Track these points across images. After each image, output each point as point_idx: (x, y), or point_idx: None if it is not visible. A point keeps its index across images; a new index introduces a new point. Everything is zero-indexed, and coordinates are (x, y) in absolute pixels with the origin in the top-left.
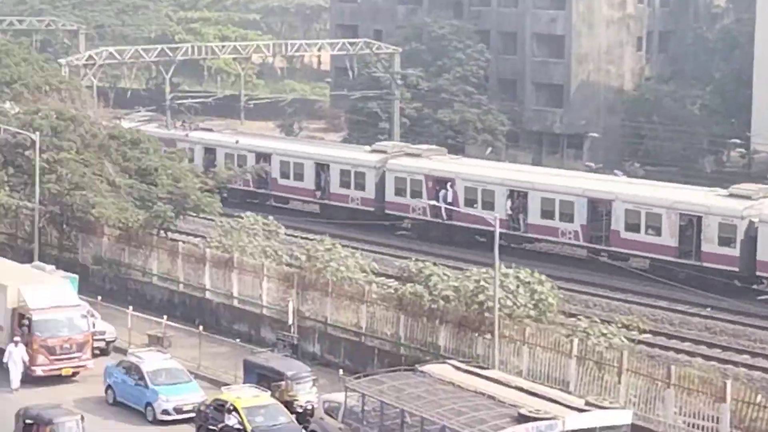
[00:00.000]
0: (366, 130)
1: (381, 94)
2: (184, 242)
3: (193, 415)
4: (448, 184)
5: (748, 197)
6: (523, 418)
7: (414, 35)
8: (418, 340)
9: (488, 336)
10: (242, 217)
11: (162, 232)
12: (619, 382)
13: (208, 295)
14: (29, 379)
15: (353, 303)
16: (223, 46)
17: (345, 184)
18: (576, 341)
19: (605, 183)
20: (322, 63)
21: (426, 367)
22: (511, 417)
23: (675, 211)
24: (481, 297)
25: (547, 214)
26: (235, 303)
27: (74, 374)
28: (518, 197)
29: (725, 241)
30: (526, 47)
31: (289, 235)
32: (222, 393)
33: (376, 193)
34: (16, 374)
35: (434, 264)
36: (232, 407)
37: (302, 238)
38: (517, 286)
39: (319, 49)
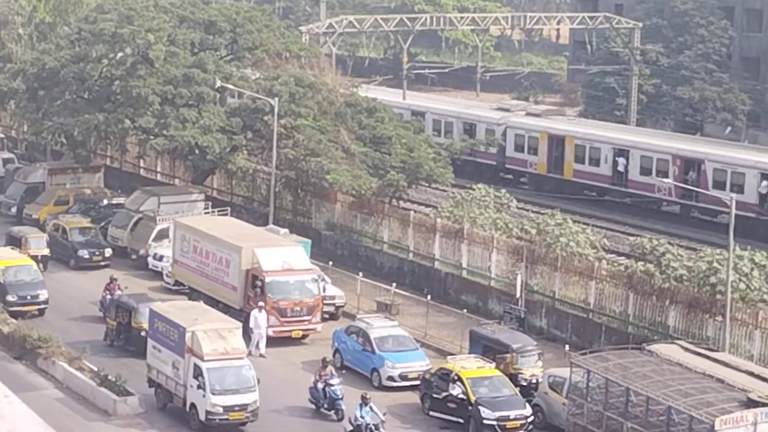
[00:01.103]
0: (602, 105)
1: (619, 69)
2: (415, 211)
3: (418, 382)
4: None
5: None
6: (752, 403)
7: (655, 10)
8: (646, 319)
9: (719, 318)
10: (474, 189)
11: (394, 200)
12: None
13: (437, 264)
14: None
15: (582, 279)
16: (462, 18)
17: None
18: None
19: None
20: (560, 36)
21: (653, 347)
22: (739, 401)
23: None
24: (713, 279)
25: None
26: (464, 274)
27: (304, 336)
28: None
29: None
30: None
31: (520, 208)
32: (447, 362)
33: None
34: (262, 339)
35: (669, 243)
36: (456, 377)
37: (533, 212)
38: (752, 269)
39: (558, 23)
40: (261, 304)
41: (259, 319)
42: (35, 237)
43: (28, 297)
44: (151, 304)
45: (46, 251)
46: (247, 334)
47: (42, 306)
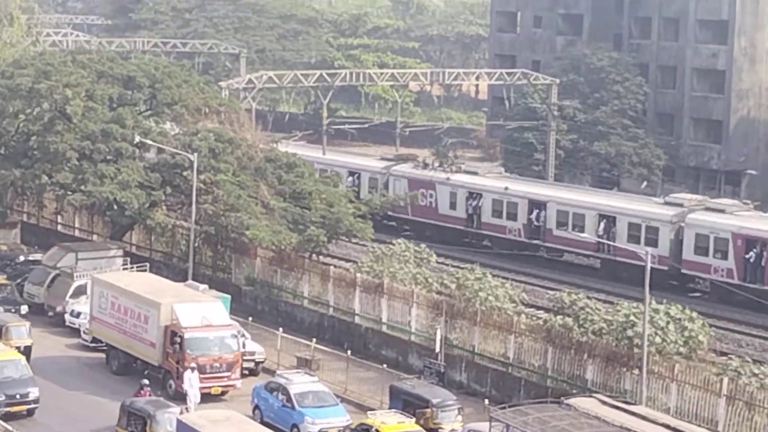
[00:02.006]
0: (521, 160)
1: (537, 124)
2: (335, 266)
3: None
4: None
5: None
6: None
7: (572, 67)
8: (565, 373)
9: (636, 371)
10: (394, 244)
11: (314, 255)
12: None
13: (357, 319)
14: (179, 396)
15: (501, 333)
16: (381, 73)
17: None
18: (726, 380)
19: None
20: (479, 92)
21: (572, 400)
22: None
23: None
24: (630, 332)
25: None
26: (384, 328)
27: (223, 393)
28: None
29: None
30: (685, 82)
31: (440, 263)
32: (367, 418)
33: None
34: (196, 397)
35: (587, 297)
36: None
37: (453, 266)
38: (668, 323)
39: (476, 78)
40: (193, 365)
41: (192, 379)
42: (16, 326)
43: (17, 396)
44: (175, 413)
45: (29, 341)
46: (166, 390)
47: (32, 405)
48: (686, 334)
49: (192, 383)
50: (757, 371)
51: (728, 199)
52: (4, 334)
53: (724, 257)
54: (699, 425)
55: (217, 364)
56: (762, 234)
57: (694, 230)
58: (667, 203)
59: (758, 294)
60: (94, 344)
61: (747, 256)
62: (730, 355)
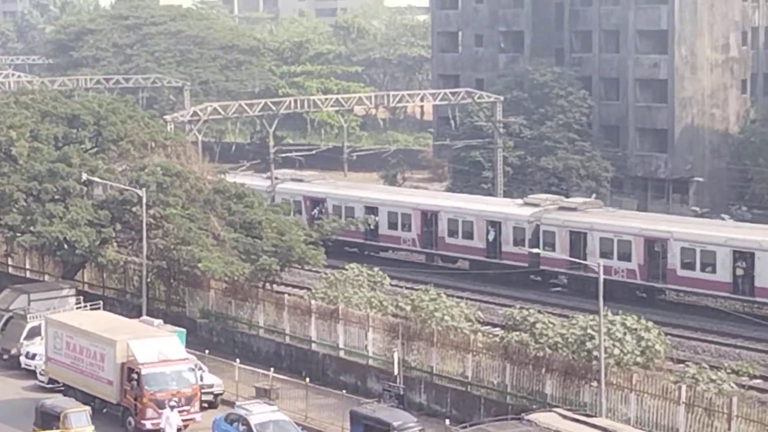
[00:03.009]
0: (469, 179)
1: (484, 142)
2: (289, 294)
3: None
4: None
5: None
6: None
7: (515, 83)
8: (524, 389)
9: (595, 384)
10: (347, 269)
11: (267, 284)
12: (729, 429)
13: (314, 346)
14: None
15: (459, 352)
16: (326, 99)
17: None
18: (684, 388)
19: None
20: (424, 113)
21: (532, 416)
22: None
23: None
24: (589, 345)
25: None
26: (341, 354)
27: (184, 427)
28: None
29: None
30: (628, 93)
31: (393, 285)
32: None
33: None
34: None
35: (539, 312)
36: None
37: (407, 288)
38: (624, 334)
39: (421, 100)
40: (172, 403)
41: (171, 418)
42: None
43: None
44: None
45: None
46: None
47: None
48: (643, 344)
49: (170, 422)
50: (714, 377)
51: (583, 198)
52: None
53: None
54: None
55: (176, 399)
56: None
57: (550, 228)
58: (525, 204)
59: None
60: (51, 385)
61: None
62: (687, 363)
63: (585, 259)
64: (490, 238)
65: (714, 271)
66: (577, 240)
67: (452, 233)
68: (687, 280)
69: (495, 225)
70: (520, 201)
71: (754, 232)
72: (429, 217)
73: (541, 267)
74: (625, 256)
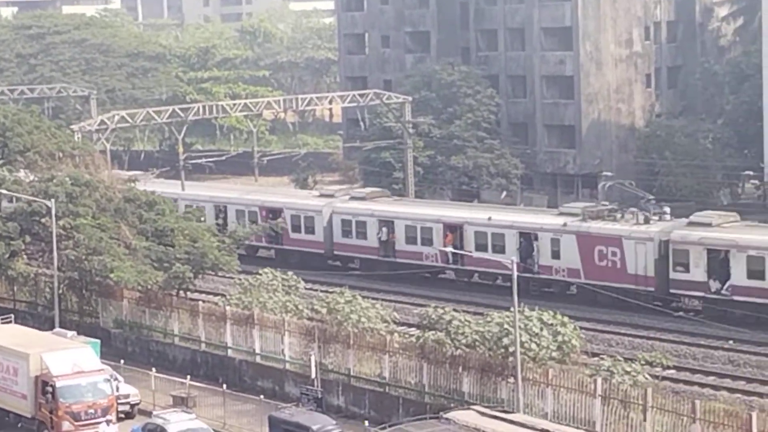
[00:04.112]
0: (380, 180)
1: (393, 143)
2: (204, 301)
3: None
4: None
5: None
6: None
7: (423, 83)
8: (442, 388)
9: (511, 380)
10: (261, 274)
11: (181, 292)
12: (645, 420)
13: (230, 353)
14: None
15: (375, 353)
16: (234, 104)
17: None
18: (600, 380)
19: None
20: (333, 115)
21: (451, 414)
22: None
23: None
24: (506, 340)
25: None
26: (258, 359)
27: None
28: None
29: None
30: (535, 90)
31: (308, 289)
32: None
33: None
34: None
35: (454, 310)
36: None
37: (321, 291)
38: (541, 329)
39: (329, 102)
40: (108, 417)
41: None
42: None
43: None
44: None
45: None
46: None
47: None
48: (559, 338)
49: None
50: (629, 369)
51: (377, 189)
52: None
53: (364, 237)
54: (577, 427)
55: (92, 410)
56: (392, 215)
57: (341, 216)
58: (321, 195)
59: (393, 267)
60: None
61: (379, 235)
62: (601, 356)
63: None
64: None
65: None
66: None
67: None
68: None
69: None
70: (316, 192)
71: (462, 210)
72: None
73: (336, 252)
74: None
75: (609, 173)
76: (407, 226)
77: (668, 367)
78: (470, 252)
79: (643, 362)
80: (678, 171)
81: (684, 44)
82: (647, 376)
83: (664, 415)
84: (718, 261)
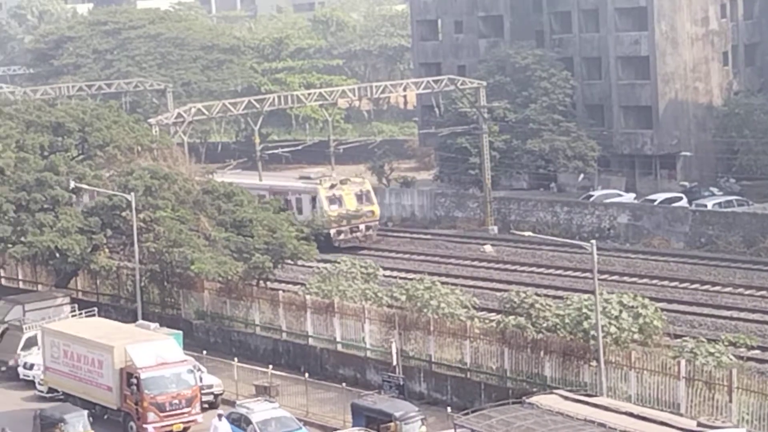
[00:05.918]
0: (456, 166)
1: (469, 129)
2: (284, 291)
3: None
4: None
5: None
6: None
7: (497, 68)
8: (523, 372)
9: (594, 363)
10: (339, 262)
11: (261, 282)
12: (731, 401)
13: (311, 341)
14: None
15: (456, 339)
16: (309, 94)
17: None
18: (683, 362)
19: None
20: (408, 102)
21: (533, 399)
22: None
23: None
24: (585, 324)
25: None
26: (339, 347)
27: (185, 429)
28: None
29: None
30: (611, 71)
31: (387, 276)
32: None
33: None
34: None
35: (536, 294)
36: None
37: (401, 278)
38: (620, 311)
39: (404, 89)
40: (220, 412)
41: (219, 428)
42: None
43: None
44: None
45: None
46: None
47: None
48: (641, 321)
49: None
50: (712, 350)
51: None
52: None
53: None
54: (661, 409)
55: (176, 401)
56: None
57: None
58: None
59: None
60: (50, 394)
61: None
62: (684, 338)
63: None
64: None
65: None
66: None
67: None
68: None
69: None
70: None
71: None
72: None
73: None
74: None
75: (687, 153)
76: None
77: (753, 347)
78: None
79: (726, 343)
80: (758, 149)
81: (761, 21)
82: (732, 357)
83: (750, 396)
84: None
